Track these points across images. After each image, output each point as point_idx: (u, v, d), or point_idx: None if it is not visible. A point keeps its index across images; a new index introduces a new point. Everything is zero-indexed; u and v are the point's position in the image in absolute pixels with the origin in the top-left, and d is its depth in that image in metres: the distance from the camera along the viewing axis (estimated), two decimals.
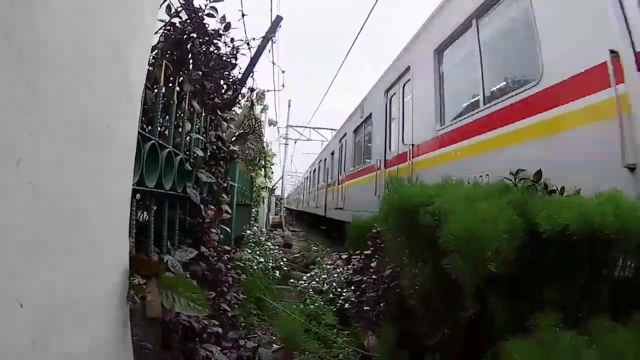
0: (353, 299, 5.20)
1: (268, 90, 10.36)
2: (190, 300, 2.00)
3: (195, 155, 3.37)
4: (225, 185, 4.45)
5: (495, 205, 2.49)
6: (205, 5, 3.75)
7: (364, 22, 14.83)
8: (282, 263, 9.22)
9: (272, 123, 20.47)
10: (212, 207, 3.68)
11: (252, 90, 6.47)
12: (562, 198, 2.91)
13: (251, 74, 5.44)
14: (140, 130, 2.21)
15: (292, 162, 52.68)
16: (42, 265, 1.27)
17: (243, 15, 4.83)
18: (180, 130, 3.16)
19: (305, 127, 42.02)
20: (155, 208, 2.68)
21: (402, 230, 3.16)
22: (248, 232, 9.97)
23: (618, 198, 2.37)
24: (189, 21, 3.60)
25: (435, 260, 2.92)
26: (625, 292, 2.42)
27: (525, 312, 2.30)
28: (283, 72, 8.92)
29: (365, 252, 4.95)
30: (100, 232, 1.68)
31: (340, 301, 5.66)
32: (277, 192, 37.80)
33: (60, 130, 1.35)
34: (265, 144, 16.82)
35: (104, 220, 1.72)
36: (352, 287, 5.37)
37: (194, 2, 3.80)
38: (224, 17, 3.97)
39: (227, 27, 3.97)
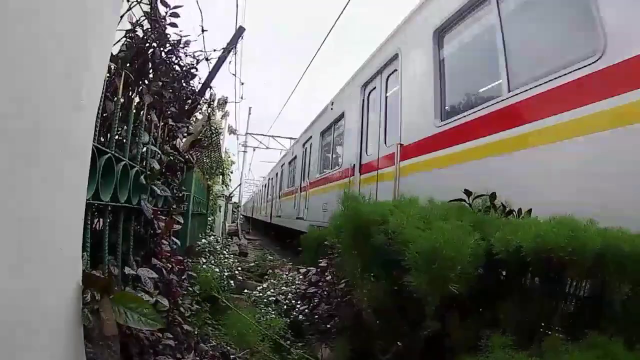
0: (307, 311, 5.22)
1: (230, 102, 10.34)
2: (142, 315, 2.00)
3: (151, 167, 3.36)
4: (180, 195, 4.43)
5: (458, 227, 2.51)
6: (166, 13, 3.74)
7: (331, 28, 14.54)
8: (237, 272, 9.15)
9: (232, 131, 20.35)
10: (164, 219, 3.66)
11: (210, 102, 6.45)
12: (518, 220, 2.99)
13: (210, 86, 5.45)
14: (96, 144, 2.20)
15: (250, 170, 52.47)
16: None
17: (203, 30, 4.83)
18: (137, 140, 3.15)
19: (265, 135, 41.97)
20: (110, 221, 2.67)
21: (356, 245, 3.19)
22: (203, 240, 9.88)
23: (571, 221, 2.44)
24: (150, 30, 3.59)
25: (391, 277, 2.97)
26: (579, 312, 2.51)
27: (481, 331, 2.33)
28: (242, 83, 8.92)
29: (320, 265, 4.97)
30: (52, 249, 1.65)
31: (294, 313, 5.68)
32: (235, 199, 37.57)
33: (8, 144, 1.31)
34: (224, 152, 16.72)
35: (57, 236, 1.69)
36: (306, 300, 5.39)
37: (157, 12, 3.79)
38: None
39: (187, 43, 3.98)
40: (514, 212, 3.23)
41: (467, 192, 3.37)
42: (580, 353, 1.99)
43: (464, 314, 2.67)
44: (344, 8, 12.55)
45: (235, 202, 38.08)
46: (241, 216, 39.18)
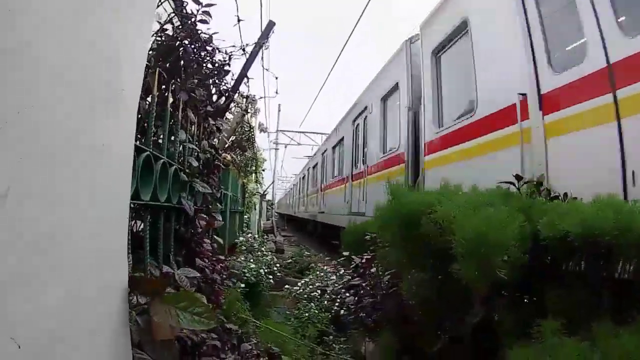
0: (350, 305, 5.16)
1: (260, 97, 10.32)
2: (194, 314, 1.94)
3: (189, 165, 3.32)
4: (219, 194, 4.41)
5: (503, 212, 2.50)
6: (198, 11, 3.70)
7: (357, 21, 14.42)
8: (275, 269, 9.16)
9: (262, 129, 20.36)
10: (205, 217, 3.63)
11: (246, 97, 6.42)
12: (564, 204, 2.92)
13: (244, 81, 5.41)
14: (135, 143, 2.17)
15: (282, 167, 52.64)
16: (33, 292, 1.20)
17: (239, 20, 4.79)
18: (173, 139, 3.12)
19: (296, 131, 42.03)
20: (149, 221, 2.63)
21: (402, 237, 3.14)
22: (241, 238, 9.91)
23: (617, 203, 2.44)
24: (180, 27, 3.55)
25: (437, 267, 2.91)
26: (626, 296, 2.43)
27: (530, 318, 2.30)
28: (276, 78, 8.77)
29: (366, 256, 4.90)
30: (99, 253, 1.61)
31: (336, 307, 5.62)
32: (268, 197, 37.77)
33: (50, 150, 1.29)
34: (256, 149, 16.76)
35: (103, 238, 1.66)
36: (350, 292, 5.32)
37: (187, 8, 3.75)
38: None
39: (211, 38, 3.93)
40: (559, 197, 3.17)
41: (518, 177, 3.28)
42: (631, 336, 1.97)
43: (511, 300, 2.68)
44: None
45: (269, 200, 38.30)
46: (276, 214, 39.36)
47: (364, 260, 4.94)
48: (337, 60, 19.45)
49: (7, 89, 1.10)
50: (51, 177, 1.30)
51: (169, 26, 3.55)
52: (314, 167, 25.61)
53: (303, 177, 33.30)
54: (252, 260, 8.28)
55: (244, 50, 4.69)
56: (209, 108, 4.16)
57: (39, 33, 1.23)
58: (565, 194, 3.16)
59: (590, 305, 2.38)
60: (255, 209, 19.78)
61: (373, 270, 4.64)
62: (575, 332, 2.09)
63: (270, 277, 8.18)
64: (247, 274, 6.93)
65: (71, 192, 1.41)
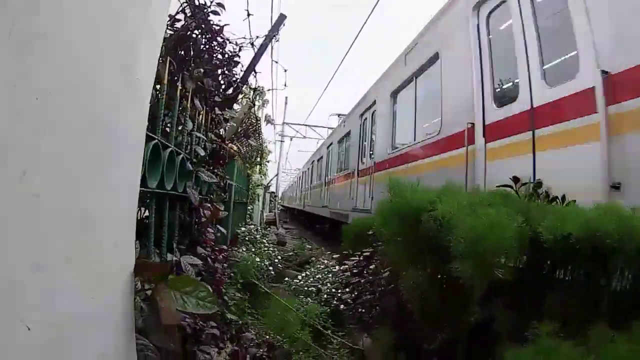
0: (349, 301, 5.19)
1: (269, 90, 10.33)
2: (199, 299, 1.97)
3: (196, 154, 3.35)
4: (224, 184, 4.44)
5: (502, 212, 2.51)
6: (211, 2, 3.71)
7: (369, 15, 14.45)
8: (276, 261, 9.18)
9: (269, 121, 20.30)
10: (209, 207, 3.65)
11: (254, 89, 6.44)
12: (564, 208, 2.96)
13: (253, 73, 5.43)
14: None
15: (287, 159, 52.63)
16: (44, 277, 1.22)
17: (249, 14, 4.80)
18: (181, 128, 3.14)
19: (302, 124, 41.96)
20: (155, 208, 2.66)
21: (404, 234, 3.16)
22: (243, 229, 9.94)
23: (617, 209, 2.45)
24: (192, 17, 3.57)
25: (436, 265, 2.94)
26: (624, 301, 2.44)
27: (527, 319, 2.32)
28: (285, 70, 8.77)
29: (364, 252, 4.94)
30: (108, 238, 1.63)
31: (335, 302, 5.65)
32: (272, 189, 37.81)
33: (66, 135, 1.30)
34: (262, 140, 16.77)
35: (113, 224, 1.67)
36: (348, 289, 5.36)
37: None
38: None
39: (222, 29, 3.94)
40: (557, 200, 3.19)
41: (515, 179, 3.30)
42: (627, 343, 1.98)
43: (510, 301, 2.69)
44: None
45: (272, 192, 38.34)
46: (279, 207, 39.42)
47: (360, 259, 4.98)
48: (346, 54, 19.37)
49: (26, 75, 1.12)
50: (67, 162, 1.32)
51: (180, 16, 3.57)
52: (318, 160, 25.39)
53: (299, 178, 34.08)
54: (253, 251, 8.31)
55: (252, 44, 4.71)
56: (216, 98, 4.18)
57: (60, 16, 1.25)
58: (564, 197, 3.17)
59: (587, 309, 2.40)
60: (258, 201, 19.81)
61: (372, 267, 4.67)
62: (572, 336, 2.10)
63: (271, 268, 8.21)
64: (249, 265, 6.97)
65: (86, 177, 1.43)
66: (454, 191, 3.25)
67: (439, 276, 3.04)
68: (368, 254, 4.84)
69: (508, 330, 2.55)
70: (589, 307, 2.42)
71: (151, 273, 1.93)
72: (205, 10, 3.67)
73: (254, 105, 7.99)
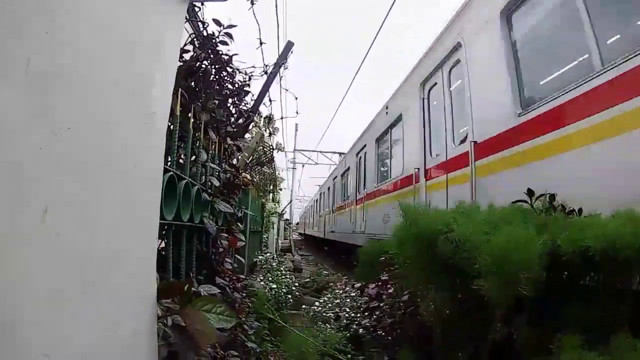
0: (368, 324, 5.15)
1: (280, 118, 10.45)
2: (218, 314, 2.01)
3: (211, 184, 3.37)
4: (240, 213, 4.45)
5: (524, 229, 2.52)
6: (219, 32, 3.76)
7: (372, 42, 15.01)
8: (294, 288, 9.15)
9: (280, 149, 20.43)
10: (227, 237, 3.66)
11: (265, 118, 6.50)
12: (581, 219, 2.93)
13: (264, 102, 5.48)
14: None
15: (300, 186, 52.73)
16: (67, 311, 1.23)
17: (261, 43, 4.85)
18: (194, 159, 3.17)
19: (313, 151, 42.14)
20: (173, 240, 2.68)
21: (420, 257, 3.15)
22: (260, 257, 9.93)
23: (636, 218, 2.41)
24: (201, 48, 3.61)
25: (455, 285, 2.92)
26: None
27: (549, 333, 2.35)
28: (296, 98, 8.90)
29: (382, 278, 4.93)
30: (131, 269, 1.65)
31: (354, 326, 5.60)
32: (286, 216, 37.83)
33: (85, 172, 1.32)
34: (274, 168, 16.82)
35: (135, 256, 1.70)
36: (367, 313, 5.31)
37: (207, 29, 3.83)
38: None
39: (230, 60, 3.98)
40: (574, 212, 3.14)
41: (530, 193, 3.28)
42: None
43: (531, 317, 2.67)
44: (386, 16, 13.27)
45: (287, 219, 38.35)
46: (295, 233, 39.36)
47: (379, 283, 4.97)
48: (353, 79, 19.77)
49: (43, 113, 1.14)
50: (88, 195, 1.34)
51: (190, 47, 3.62)
52: (316, 201, 30.56)
53: (311, 206, 37.25)
54: (271, 279, 8.29)
55: (266, 72, 4.76)
56: (229, 128, 4.21)
57: (77, 52, 1.29)
58: (580, 209, 3.13)
59: (608, 319, 2.39)
60: (273, 228, 19.81)
61: (391, 290, 4.65)
62: (594, 347, 2.11)
63: (290, 296, 8.18)
64: (267, 293, 6.95)
65: (106, 210, 1.45)
66: (468, 210, 3.24)
67: (459, 296, 3.01)
68: (386, 277, 4.82)
69: (531, 345, 2.54)
70: (610, 317, 2.40)
71: (176, 295, 1.95)
72: (213, 41, 3.71)
73: (265, 133, 8.06)
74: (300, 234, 50.16)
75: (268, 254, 11.08)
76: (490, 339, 2.79)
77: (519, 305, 2.59)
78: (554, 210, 3.15)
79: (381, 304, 4.81)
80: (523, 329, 2.65)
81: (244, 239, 4.20)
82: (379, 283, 5.02)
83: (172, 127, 2.68)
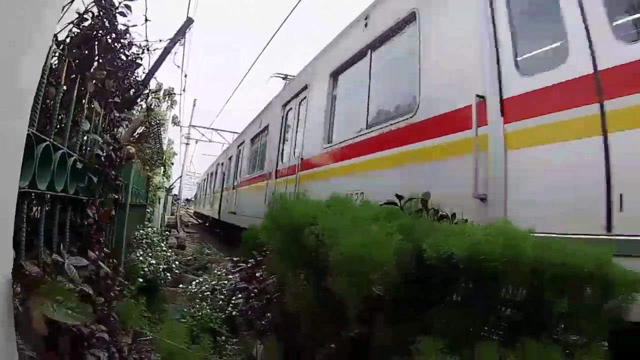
0: (241, 307, 5.23)
1: (173, 94, 10.24)
2: (68, 309, 1.97)
3: (89, 155, 3.31)
4: (117, 185, 4.38)
5: (384, 229, 2.53)
6: (119, 3, 3.68)
7: (281, 25, 15.07)
8: (174, 265, 9.06)
9: (175, 123, 19.87)
10: (100, 208, 3.61)
11: (155, 92, 6.37)
12: (451, 225, 2.98)
13: (154, 76, 5.39)
14: (34, 131, 2.17)
15: (192, 162, 51.68)
16: None
17: (146, 20, 4.74)
18: (77, 128, 3.10)
19: (208, 128, 41.50)
20: (46, 210, 2.63)
21: (286, 247, 3.20)
22: (141, 232, 9.72)
23: (508, 230, 2.40)
24: (99, 17, 3.52)
25: (317, 278, 2.96)
26: (513, 319, 2.45)
27: (411, 335, 2.30)
28: (185, 76, 8.86)
29: (250, 261, 5.01)
30: None
31: (229, 308, 5.68)
32: (175, 191, 37.09)
33: None
34: (167, 143, 16.38)
35: None
36: (239, 294, 5.40)
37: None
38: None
39: (127, 31, 3.92)
40: (447, 217, 3.27)
41: (399, 196, 3.44)
42: (513, 358, 2.03)
43: (393, 317, 2.65)
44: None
45: (175, 194, 37.59)
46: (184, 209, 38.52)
47: (249, 266, 5.05)
48: (255, 61, 19.63)
49: None
50: None
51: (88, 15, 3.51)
52: (205, 180, 31.22)
53: (200, 184, 35.89)
54: (150, 255, 8.14)
55: (148, 50, 4.69)
56: (117, 99, 4.13)
57: None
58: (454, 214, 3.26)
59: (475, 326, 2.41)
60: (159, 203, 19.33)
61: (259, 275, 4.76)
62: (459, 353, 2.15)
63: (168, 274, 8.08)
64: (145, 269, 6.83)
65: None
66: (342, 203, 3.33)
67: (320, 290, 2.98)
68: (254, 262, 4.92)
69: (391, 345, 2.54)
70: (477, 324, 2.42)
71: (25, 280, 1.92)
72: (112, 11, 3.63)
73: (152, 108, 7.88)
74: (195, 212, 49.06)
75: (150, 229, 10.85)
76: (347, 337, 2.85)
77: (379, 305, 2.60)
78: (426, 213, 3.27)
79: (250, 287, 4.90)
80: (382, 328, 2.66)
81: (121, 212, 4.14)
82: (248, 266, 5.10)
83: (55, 96, 2.62)
